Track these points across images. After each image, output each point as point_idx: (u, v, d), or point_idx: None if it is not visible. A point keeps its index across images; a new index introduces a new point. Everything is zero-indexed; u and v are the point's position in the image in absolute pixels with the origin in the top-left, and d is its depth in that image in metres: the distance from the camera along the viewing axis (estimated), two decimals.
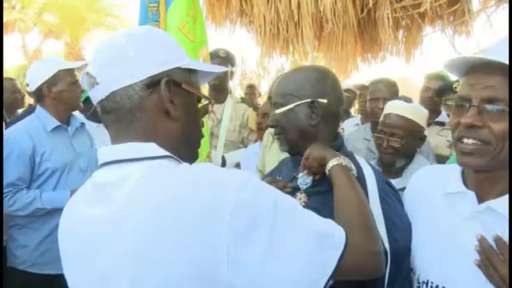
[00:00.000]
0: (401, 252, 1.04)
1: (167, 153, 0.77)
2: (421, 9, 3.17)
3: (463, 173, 1.00)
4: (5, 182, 2.01)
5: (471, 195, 0.94)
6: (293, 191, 1.15)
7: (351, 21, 3.24)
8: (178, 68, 0.81)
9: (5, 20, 15.66)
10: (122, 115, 0.78)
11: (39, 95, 2.13)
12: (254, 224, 0.66)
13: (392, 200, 1.11)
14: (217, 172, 0.72)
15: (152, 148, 0.76)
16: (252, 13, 3.29)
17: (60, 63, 2.14)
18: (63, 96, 2.11)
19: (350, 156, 1.20)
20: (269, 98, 1.25)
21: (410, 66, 3.97)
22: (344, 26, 3.27)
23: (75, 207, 0.82)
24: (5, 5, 16.16)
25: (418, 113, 1.87)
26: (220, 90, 2.71)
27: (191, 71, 0.84)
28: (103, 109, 0.80)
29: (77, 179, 2.13)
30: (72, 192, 2.02)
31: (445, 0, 3.22)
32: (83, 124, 2.31)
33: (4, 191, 2.02)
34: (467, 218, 0.94)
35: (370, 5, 3.12)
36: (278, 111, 1.16)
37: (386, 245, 1.01)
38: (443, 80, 2.81)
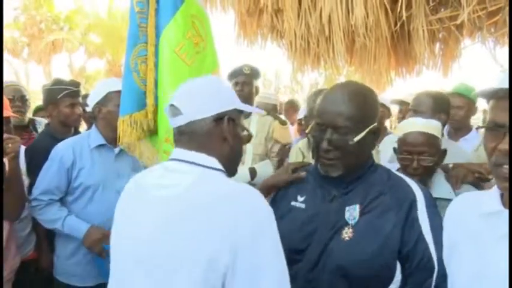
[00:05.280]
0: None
1: (221, 168, 1.08)
2: (458, 21, 3.05)
3: (502, 194, 0.95)
4: (42, 189, 2.12)
5: (506, 213, 0.89)
6: (340, 226, 1.15)
7: (384, 34, 3.17)
8: (234, 108, 1.14)
9: (53, 39, 16.67)
10: (195, 138, 1.08)
11: (93, 115, 2.26)
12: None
13: (438, 213, 1.17)
14: (251, 199, 1.01)
15: (213, 161, 1.07)
16: (283, 28, 3.29)
17: (111, 85, 2.20)
18: (111, 116, 2.15)
19: (388, 172, 1.22)
20: (319, 119, 1.24)
21: (449, 80, 3.83)
22: (377, 40, 3.20)
23: (147, 180, 1.12)
24: (53, 26, 17.25)
25: (434, 127, 1.78)
26: None
27: (239, 110, 1.16)
28: (180, 131, 1.10)
29: (111, 199, 2.07)
30: (91, 227, 2.09)
31: (484, 12, 3.09)
32: None
33: (39, 197, 2.13)
34: (501, 238, 0.89)
35: (404, 17, 3.04)
36: (356, 138, 1.13)
37: (434, 257, 1.09)
38: (460, 95, 2.91)
